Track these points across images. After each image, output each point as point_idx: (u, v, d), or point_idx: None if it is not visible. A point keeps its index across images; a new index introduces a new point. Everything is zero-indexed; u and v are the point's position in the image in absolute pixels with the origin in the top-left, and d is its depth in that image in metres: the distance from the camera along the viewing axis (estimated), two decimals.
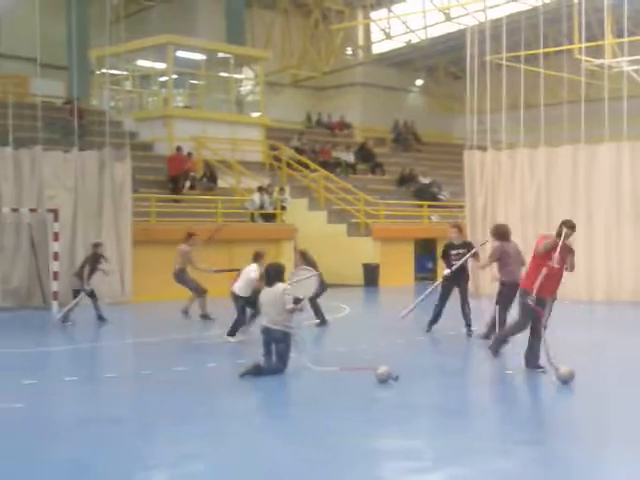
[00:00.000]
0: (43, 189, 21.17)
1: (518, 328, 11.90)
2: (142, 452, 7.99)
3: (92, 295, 17.63)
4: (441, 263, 16.37)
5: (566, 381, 10.64)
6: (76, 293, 17.48)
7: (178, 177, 26.61)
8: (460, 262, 14.86)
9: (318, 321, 16.91)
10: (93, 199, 21.83)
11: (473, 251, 15.02)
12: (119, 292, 21.76)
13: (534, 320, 11.46)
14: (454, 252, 15.11)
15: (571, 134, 23.55)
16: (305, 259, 16.24)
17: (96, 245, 18.08)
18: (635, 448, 8.06)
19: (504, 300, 13.87)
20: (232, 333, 14.69)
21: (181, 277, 18.18)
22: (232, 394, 10.57)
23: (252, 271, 14.54)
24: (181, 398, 10.29)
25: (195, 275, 18.32)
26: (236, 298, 14.70)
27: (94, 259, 17.69)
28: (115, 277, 21.52)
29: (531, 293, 11.34)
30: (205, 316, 17.77)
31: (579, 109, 22.66)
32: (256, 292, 13.40)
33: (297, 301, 11.71)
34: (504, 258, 13.97)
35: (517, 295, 11.91)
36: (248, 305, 14.64)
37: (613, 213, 21.83)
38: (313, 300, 16.37)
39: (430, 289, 15.10)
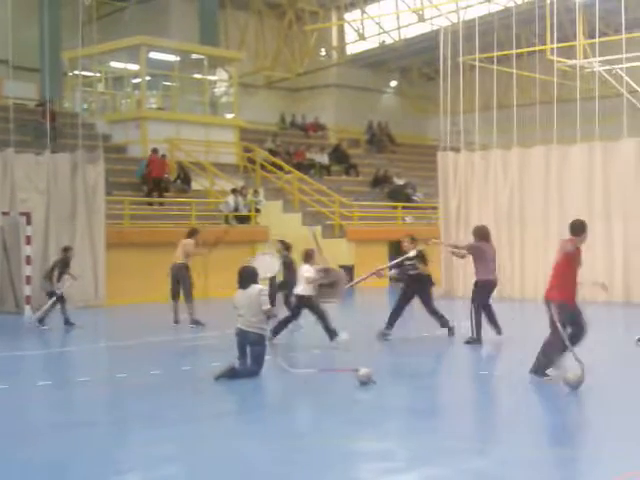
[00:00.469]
0: (15, 192, 20.97)
1: (560, 345, 10.92)
2: (116, 456, 7.94)
3: (61, 299, 17.48)
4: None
5: (574, 386, 10.43)
6: (50, 295, 17.37)
7: (160, 179, 26.53)
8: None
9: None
10: (66, 202, 21.67)
11: (406, 256, 15.00)
12: (92, 295, 21.62)
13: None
14: (409, 263, 15.06)
15: (544, 134, 23.68)
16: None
17: (66, 249, 17.92)
18: (610, 447, 8.10)
19: (479, 298, 14.22)
20: (276, 332, 14.16)
21: (183, 273, 17.78)
22: (207, 397, 10.53)
23: (306, 271, 14.15)
24: (156, 401, 10.24)
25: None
26: (300, 299, 14.24)
27: (64, 263, 17.56)
28: (88, 280, 21.40)
29: (571, 306, 10.93)
30: (196, 322, 17.48)
31: (552, 109, 22.78)
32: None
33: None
34: (481, 257, 14.37)
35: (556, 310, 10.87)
36: (311, 309, 14.28)
37: (585, 213, 21.90)
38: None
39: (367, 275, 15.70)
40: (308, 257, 14.44)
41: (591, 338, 11.32)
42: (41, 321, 17.20)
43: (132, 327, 18.19)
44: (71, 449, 8.09)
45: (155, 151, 27.12)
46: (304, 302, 14.17)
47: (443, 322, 15.16)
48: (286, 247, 17.29)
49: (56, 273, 17.34)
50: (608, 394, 10.58)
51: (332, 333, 14.17)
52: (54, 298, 17.23)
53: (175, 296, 17.70)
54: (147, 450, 8.08)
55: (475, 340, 14.22)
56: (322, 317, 14.25)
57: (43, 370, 13.38)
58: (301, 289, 14.17)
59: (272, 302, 13.21)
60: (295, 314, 14.60)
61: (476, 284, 14.40)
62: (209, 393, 10.73)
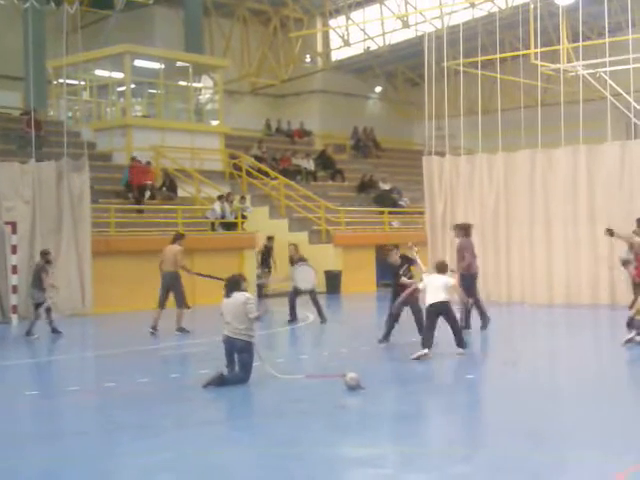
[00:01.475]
0: (0, 201, 20.93)
1: None
2: (107, 465, 7.92)
3: (47, 308, 17.33)
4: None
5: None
6: (37, 306, 17.26)
7: (144, 186, 26.48)
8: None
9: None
10: (51, 211, 21.62)
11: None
12: (79, 304, 21.56)
13: None
14: (400, 271, 15.16)
15: (528, 138, 23.77)
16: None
17: (45, 253, 17.77)
18: (594, 451, 8.14)
19: (465, 291, 15.21)
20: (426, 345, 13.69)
21: (175, 281, 17.69)
22: (196, 405, 10.53)
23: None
24: (145, 410, 10.23)
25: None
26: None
27: (48, 267, 17.44)
28: (75, 289, 21.37)
29: None
30: (182, 329, 17.46)
31: (536, 113, 22.88)
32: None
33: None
34: (472, 252, 16.15)
35: None
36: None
37: (570, 216, 22.05)
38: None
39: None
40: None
41: (578, 341, 11.37)
42: (28, 332, 17.09)
43: (119, 335, 18.15)
44: (60, 459, 8.08)
45: (134, 159, 27.07)
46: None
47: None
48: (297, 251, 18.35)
49: (45, 279, 17.19)
50: (597, 396, 10.63)
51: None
52: (44, 305, 17.13)
53: (162, 304, 17.60)
54: (138, 459, 8.07)
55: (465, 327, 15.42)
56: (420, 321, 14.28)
57: (30, 379, 13.34)
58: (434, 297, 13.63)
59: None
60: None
61: (462, 276, 15.73)
62: (198, 401, 10.73)
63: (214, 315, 12.57)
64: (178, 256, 17.63)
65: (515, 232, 22.88)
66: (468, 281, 16.13)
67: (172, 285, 17.60)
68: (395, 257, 15.27)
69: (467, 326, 15.92)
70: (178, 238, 18.04)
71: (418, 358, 13.13)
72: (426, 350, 13.31)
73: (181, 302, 17.59)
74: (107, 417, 10.11)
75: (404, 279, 14.86)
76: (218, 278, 15.42)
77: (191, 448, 8.36)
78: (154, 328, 17.28)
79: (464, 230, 16.88)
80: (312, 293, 18.85)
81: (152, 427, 9.27)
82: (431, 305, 13.51)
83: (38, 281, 17.31)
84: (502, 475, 7.44)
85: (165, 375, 12.66)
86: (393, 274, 15.34)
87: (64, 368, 14.63)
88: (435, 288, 13.47)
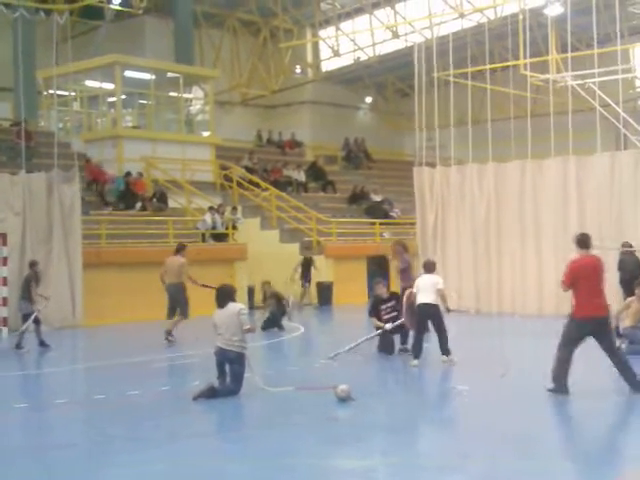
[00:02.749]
0: None
1: None
2: (96, 478, 7.89)
3: (36, 320, 17.22)
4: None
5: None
6: (26, 317, 17.16)
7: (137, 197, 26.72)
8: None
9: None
10: (42, 222, 21.56)
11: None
12: (69, 316, 21.47)
13: None
14: (384, 307, 15.16)
15: (518, 149, 23.82)
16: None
17: (33, 264, 17.69)
18: (581, 461, 8.14)
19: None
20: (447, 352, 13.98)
21: (180, 293, 17.79)
22: (187, 417, 10.50)
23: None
24: (136, 422, 10.19)
25: None
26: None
27: (37, 278, 17.37)
28: (65, 301, 21.29)
29: None
30: (169, 334, 17.47)
31: (526, 124, 22.94)
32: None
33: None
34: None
35: None
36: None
37: (560, 226, 22.08)
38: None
39: (364, 339, 14.99)
40: (431, 267, 14.37)
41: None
42: (18, 345, 16.96)
43: (109, 347, 18.07)
44: (50, 472, 8.03)
45: (129, 175, 27.21)
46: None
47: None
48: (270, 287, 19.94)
49: (34, 289, 17.11)
50: (583, 406, 10.64)
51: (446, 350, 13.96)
52: (32, 317, 17.03)
53: (171, 315, 17.78)
54: (128, 472, 8.04)
55: None
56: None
57: (19, 392, 13.27)
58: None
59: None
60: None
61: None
62: (189, 413, 10.69)
63: (205, 326, 12.54)
64: (183, 268, 17.85)
65: (505, 242, 22.91)
66: None
67: (176, 297, 17.69)
68: (382, 290, 15.24)
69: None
70: (180, 249, 18.24)
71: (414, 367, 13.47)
72: (415, 361, 13.52)
73: (185, 313, 17.71)
74: (97, 430, 10.05)
75: (376, 322, 14.95)
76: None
77: (182, 460, 8.32)
78: (169, 333, 17.53)
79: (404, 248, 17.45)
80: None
81: (142, 440, 9.24)
82: (420, 305, 13.69)
83: (26, 292, 17.22)
84: None
85: (155, 387, 12.60)
86: (374, 306, 15.22)
87: (53, 380, 14.57)
88: (425, 289, 13.74)
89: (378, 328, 14.92)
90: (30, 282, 17.24)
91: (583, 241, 11.49)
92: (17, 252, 20.87)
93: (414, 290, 14.03)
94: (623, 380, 11.10)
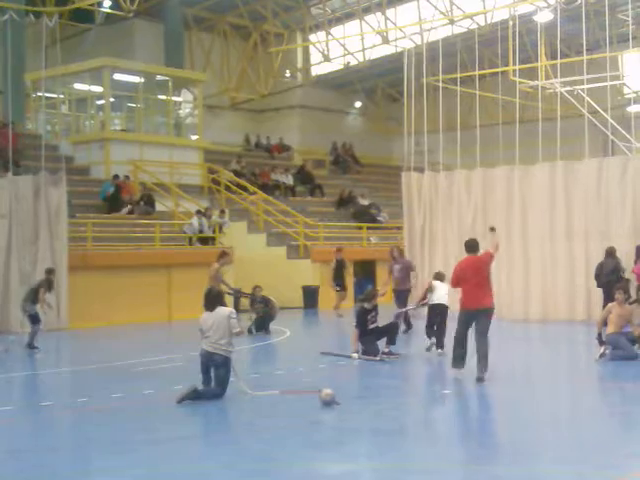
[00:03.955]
0: None
1: None
2: None
3: (37, 320, 17.36)
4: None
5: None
6: (32, 318, 17.33)
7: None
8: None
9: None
10: (28, 225, 21.47)
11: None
12: (54, 319, 21.33)
13: None
14: (369, 316, 15.26)
15: (506, 155, 23.86)
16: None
17: (50, 271, 18.07)
18: (570, 466, 8.12)
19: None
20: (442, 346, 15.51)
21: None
22: (171, 420, 10.43)
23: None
24: (119, 425, 10.12)
25: None
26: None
27: (48, 284, 17.70)
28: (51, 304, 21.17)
29: None
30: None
31: (514, 130, 22.98)
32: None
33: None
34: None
35: None
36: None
37: (547, 232, 22.10)
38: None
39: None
40: (441, 276, 16.46)
41: (553, 356, 11.36)
42: (30, 345, 17.13)
43: (94, 350, 18.00)
44: (32, 476, 7.96)
45: (116, 177, 27.10)
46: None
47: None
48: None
49: (43, 294, 17.37)
50: (571, 411, 10.63)
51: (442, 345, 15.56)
52: (39, 323, 17.20)
53: None
54: (111, 475, 7.97)
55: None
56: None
57: (3, 395, 13.18)
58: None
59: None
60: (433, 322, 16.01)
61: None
62: (172, 416, 10.63)
63: (190, 330, 12.48)
64: (212, 273, 18.36)
65: (493, 247, 22.83)
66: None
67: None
68: (376, 300, 15.34)
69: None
70: (222, 256, 18.95)
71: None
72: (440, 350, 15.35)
73: None
74: (80, 433, 9.99)
75: (353, 337, 15.24)
76: (245, 294, 19.20)
77: (165, 464, 8.27)
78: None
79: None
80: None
81: (125, 443, 9.17)
82: (436, 305, 15.73)
83: (34, 294, 17.48)
84: None
85: (139, 391, 12.52)
86: (360, 317, 15.26)
87: (38, 383, 14.50)
88: (441, 293, 15.82)
89: (378, 328, 15.34)
90: (41, 286, 17.62)
91: (470, 246, 13.05)
92: (3, 255, 20.79)
93: (432, 286, 16.02)
94: (475, 367, 12.32)
